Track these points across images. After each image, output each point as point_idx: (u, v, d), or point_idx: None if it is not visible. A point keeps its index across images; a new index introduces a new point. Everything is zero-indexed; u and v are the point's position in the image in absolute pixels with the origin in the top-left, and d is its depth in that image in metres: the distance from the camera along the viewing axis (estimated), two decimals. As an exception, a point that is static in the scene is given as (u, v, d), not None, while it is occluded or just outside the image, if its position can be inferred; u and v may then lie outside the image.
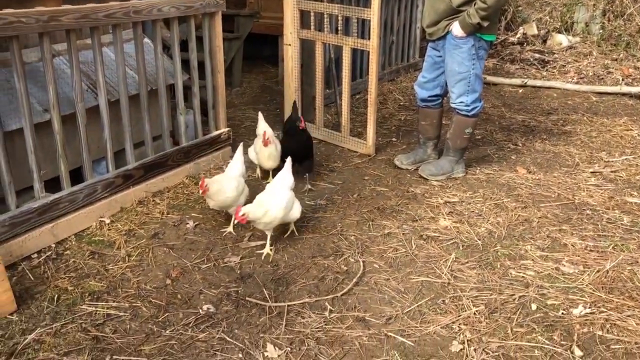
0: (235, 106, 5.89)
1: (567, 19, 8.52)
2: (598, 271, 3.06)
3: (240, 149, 3.70)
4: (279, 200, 3.23)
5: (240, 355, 2.47)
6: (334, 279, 3.03)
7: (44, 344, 2.49)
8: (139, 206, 3.68)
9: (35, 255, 3.12)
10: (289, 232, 3.44)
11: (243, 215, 3.06)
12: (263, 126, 4.22)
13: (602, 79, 7.12)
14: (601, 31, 8.24)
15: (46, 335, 2.55)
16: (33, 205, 3.12)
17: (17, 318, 2.64)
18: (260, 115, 4.34)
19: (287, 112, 5.12)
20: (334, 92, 5.31)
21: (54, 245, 3.21)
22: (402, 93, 6.46)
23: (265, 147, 3.91)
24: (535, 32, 8.58)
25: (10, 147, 3.09)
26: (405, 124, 5.52)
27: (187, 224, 3.53)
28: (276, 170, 3.73)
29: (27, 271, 2.99)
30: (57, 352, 2.45)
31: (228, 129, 4.48)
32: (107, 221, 3.47)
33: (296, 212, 3.37)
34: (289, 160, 3.51)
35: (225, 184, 3.42)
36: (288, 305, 2.80)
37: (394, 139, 5.10)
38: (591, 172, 4.37)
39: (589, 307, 2.78)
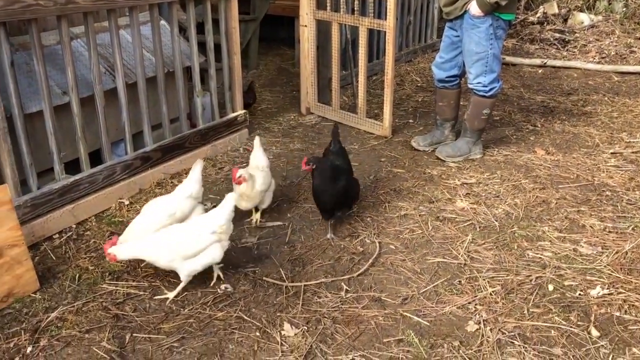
0: (244, 85, 5.87)
1: (589, -3, 8.35)
2: (617, 252, 3.04)
3: (199, 166, 3.12)
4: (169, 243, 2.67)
5: (258, 334, 2.50)
6: (350, 260, 3.04)
7: (67, 322, 2.55)
8: (157, 188, 3.72)
9: (57, 235, 3.18)
10: (214, 280, 2.86)
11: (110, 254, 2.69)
12: (255, 157, 3.43)
13: (625, 58, 6.98)
14: (624, 9, 8.06)
15: (68, 313, 2.61)
16: (54, 186, 3.18)
17: (40, 296, 2.70)
18: (257, 141, 3.48)
19: (304, 94, 5.12)
20: (350, 73, 5.29)
21: (74, 226, 3.27)
22: (420, 74, 6.41)
23: (237, 186, 3.19)
24: (556, 11, 8.42)
25: (30, 129, 3.14)
26: (423, 105, 5.48)
27: (205, 205, 3.56)
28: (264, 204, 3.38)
29: (49, 251, 3.05)
30: (79, 330, 2.51)
31: (244, 111, 4.49)
32: (126, 202, 3.52)
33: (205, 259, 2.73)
34: (228, 196, 2.83)
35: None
36: (304, 285, 2.82)
37: (410, 121, 5.07)
38: (611, 153, 4.31)
39: (607, 288, 2.76)
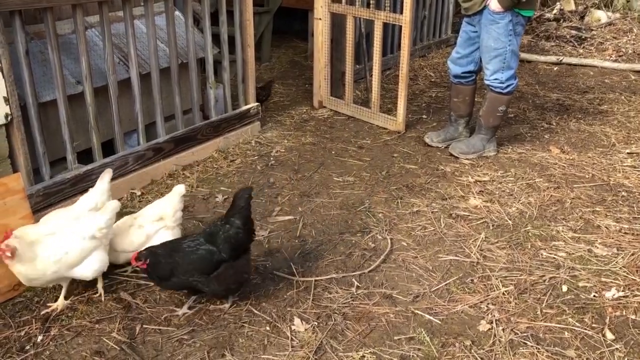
0: (264, 81, 5.85)
1: (607, -6, 8.23)
2: (633, 254, 2.99)
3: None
4: (56, 249, 2.44)
5: (268, 328, 2.49)
6: (361, 256, 3.02)
7: (77, 311, 2.55)
8: (169, 179, 3.72)
9: (69, 225, 3.18)
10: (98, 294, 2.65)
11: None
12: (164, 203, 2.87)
13: (642, 57, 6.87)
14: (643, 7, 7.94)
15: (79, 303, 2.61)
16: (66, 175, 3.18)
17: (51, 285, 2.70)
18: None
19: (317, 87, 5.09)
20: (364, 67, 5.25)
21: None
22: (433, 69, 6.35)
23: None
24: (573, 7, 8.31)
25: (43, 118, 3.14)
26: (436, 100, 5.44)
27: (216, 197, 3.55)
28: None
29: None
30: (89, 320, 2.51)
31: (257, 103, 4.47)
32: (138, 193, 3.51)
33: (87, 269, 2.52)
34: (113, 202, 2.63)
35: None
36: (315, 280, 2.81)
37: (424, 116, 5.02)
38: (628, 153, 4.24)
39: (622, 290, 2.72)
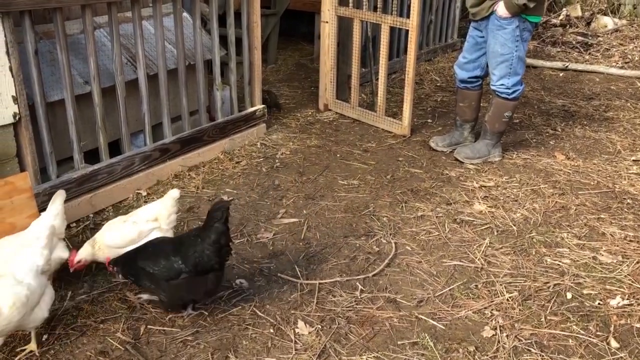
0: (269, 83, 5.88)
1: (614, 1, 8.21)
2: (638, 262, 2.99)
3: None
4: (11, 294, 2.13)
5: (272, 331, 2.50)
6: (365, 259, 3.03)
7: (82, 311, 2.56)
8: (175, 180, 3.73)
9: (74, 224, 3.19)
10: (26, 351, 2.33)
11: None
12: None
13: (649, 64, 6.87)
14: (650, 14, 7.94)
15: (84, 302, 2.62)
16: (73, 175, 3.19)
17: (56, 285, 2.71)
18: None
19: (322, 90, 5.10)
20: (370, 71, 5.25)
21: (92, 215, 3.28)
22: (439, 74, 6.35)
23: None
24: (579, 13, 8.30)
25: (51, 117, 3.15)
26: (442, 105, 5.44)
27: (222, 199, 3.56)
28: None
29: (66, 240, 3.05)
30: (94, 319, 2.52)
31: (263, 106, 4.48)
32: (144, 193, 3.52)
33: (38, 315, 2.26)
34: (48, 211, 2.51)
35: None
36: (319, 284, 2.81)
37: (429, 120, 5.03)
38: (633, 160, 4.24)
39: (627, 299, 2.72)
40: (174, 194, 2.76)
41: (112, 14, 3.19)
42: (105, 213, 3.33)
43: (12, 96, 2.80)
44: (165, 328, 2.49)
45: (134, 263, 2.47)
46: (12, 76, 2.78)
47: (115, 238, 2.70)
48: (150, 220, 2.75)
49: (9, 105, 2.81)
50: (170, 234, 2.78)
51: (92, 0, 3.05)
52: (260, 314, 2.60)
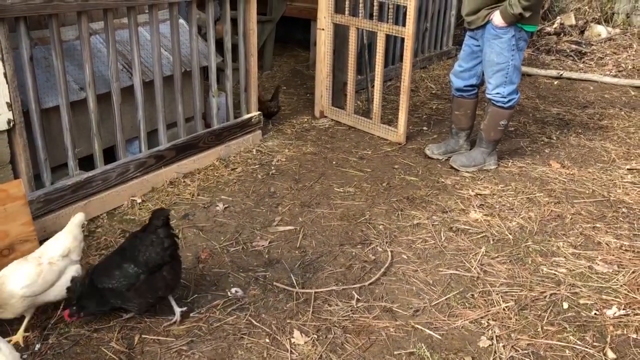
0: (265, 89, 5.86)
1: (607, 10, 8.27)
2: (633, 272, 2.99)
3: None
4: None
5: (267, 340, 2.48)
6: (361, 268, 3.02)
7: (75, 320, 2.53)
8: (170, 187, 3.71)
9: (68, 231, 3.16)
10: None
11: None
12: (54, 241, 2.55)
13: (642, 72, 6.91)
14: (643, 23, 8.00)
15: (78, 311, 2.59)
16: (67, 182, 3.17)
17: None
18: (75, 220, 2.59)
19: (318, 97, 5.09)
20: (366, 78, 5.26)
21: (86, 223, 3.25)
22: (434, 81, 6.37)
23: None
24: (573, 22, 8.35)
25: (46, 124, 3.13)
26: (437, 112, 5.45)
27: (217, 206, 3.55)
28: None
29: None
30: (87, 329, 2.50)
31: (259, 112, 4.47)
32: (139, 200, 3.50)
33: None
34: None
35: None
36: (315, 292, 2.79)
37: (424, 128, 5.03)
38: (628, 169, 4.25)
39: (624, 309, 2.72)
40: (78, 219, 2.57)
41: (108, 20, 3.18)
42: (100, 220, 3.31)
43: (7, 103, 2.78)
44: (159, 337, 2.47)
45: (94, 290, 2.41)
46: (7, 83, 2.75)
47: (32, 287, 2.37)
48: (65, 256, 2.50)
49: (3, 112, 2.79)
50: (79, 265, 2.57)
51: (89, 7, 3.03)
52: (255, 323, 2.58)
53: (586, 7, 8.50)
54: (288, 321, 2.60)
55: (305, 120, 5.10)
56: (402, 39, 4.35)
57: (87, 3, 3.00)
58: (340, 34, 4.86)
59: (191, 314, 2.61)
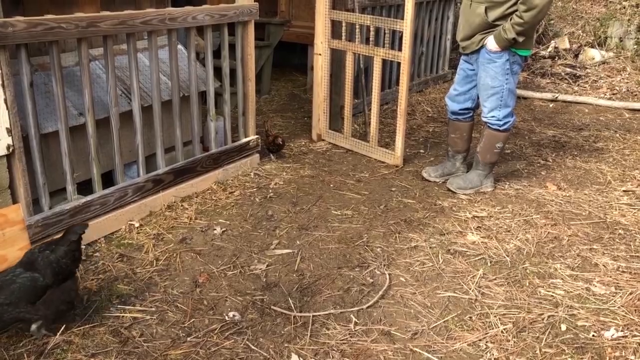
0: (263, 113, 5.92)
1: (601, 34, 8.39)
2: (631, 293, 2.99)
3: None
4: None
5: (265, 365, 2.47)
6: (359, 291, 3.01)
7: (73, 345, 2.52)
8: (168, 211, 3.72)
9: (66, 256, 3.16)
10: None
11: None
12: None
13: (636, 95, 6.99)
14: (636, 47, 8.10)
15: (75, 335, 2.58)
16: (65, 207, 3.18)
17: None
18: None
19: (316, 120, 5.14)
20: (363, 101, 5.31)
21: (84, 247, 3.24)
22: (431, 104, 6.43)
23: None
24: (567, 46, 8.47)
25: (45, 149, 3.15)
26: (434, 135, 5.49)
27: (215, 229, 3.55)
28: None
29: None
30: (85, 353, 2.48)
31: (257, 136, 4.50)
32: (137, 225, 3.51)
33: None
34: None
35: None
36: (313, 316, 2.79)
37: (421, 151, 5.07)
38: (623, 191, 4.28)
39: (622, 330, 2.71)
40: None
41: (107, 46, 3.23)
42: (98, 244, 3.31)
43: (7, 128, 2.80)
44: (156, 362, 2.46)
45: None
46: (7, 108, 2.78)
47: None
48: None
49: (2, 137, 2.81)
50: None
51: (89, 33, 3.08)
52: (253, 347, 2.57)
53: (580, 31, 8.62)
54: (286, 345, 2.59)
55: (303, 143, 5.13)
56: (399, 63, 4.41)
57: (87, 30, 3.05)
58: (337, 58, 4.93)
59: (188, 338, 2.59)
